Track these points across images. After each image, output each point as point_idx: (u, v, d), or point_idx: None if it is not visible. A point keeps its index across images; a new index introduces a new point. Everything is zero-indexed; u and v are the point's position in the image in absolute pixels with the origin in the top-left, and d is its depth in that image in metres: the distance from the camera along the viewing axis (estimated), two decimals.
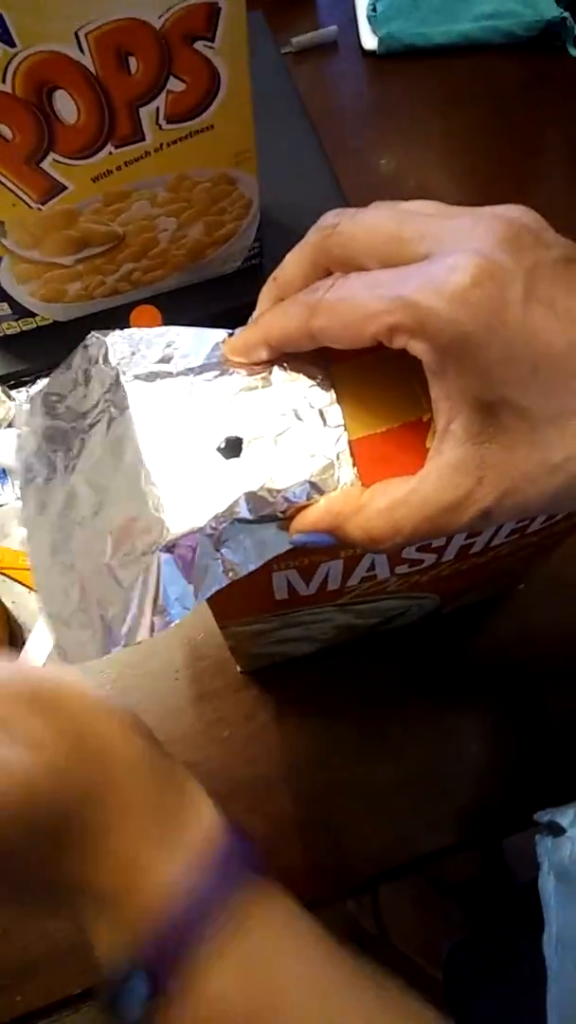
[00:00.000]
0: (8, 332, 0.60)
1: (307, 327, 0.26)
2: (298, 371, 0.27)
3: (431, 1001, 0.29)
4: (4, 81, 0.41)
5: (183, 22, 0.41)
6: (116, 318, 0.58)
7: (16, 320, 0.59)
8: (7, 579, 0.58)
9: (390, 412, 0.26)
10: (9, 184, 0.47)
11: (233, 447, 0.26)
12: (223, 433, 0.26)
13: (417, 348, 0.23)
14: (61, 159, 0.46)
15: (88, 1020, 0.51)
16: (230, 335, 0.29)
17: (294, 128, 0.71)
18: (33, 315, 0.59)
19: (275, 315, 0.27)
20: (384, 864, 0.51)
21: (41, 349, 0.62)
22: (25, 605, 0.58)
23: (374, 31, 0.77)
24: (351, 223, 0.26)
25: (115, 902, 0.27)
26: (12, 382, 0.62)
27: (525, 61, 0.78)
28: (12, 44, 0.39)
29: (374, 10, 0.77)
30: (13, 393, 0.62)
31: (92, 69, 0.42)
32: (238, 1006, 0.26)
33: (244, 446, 0.26)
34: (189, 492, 0.26)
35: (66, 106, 0.43)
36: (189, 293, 0.62)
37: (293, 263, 0.28)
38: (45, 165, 0.46)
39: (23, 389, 0.63)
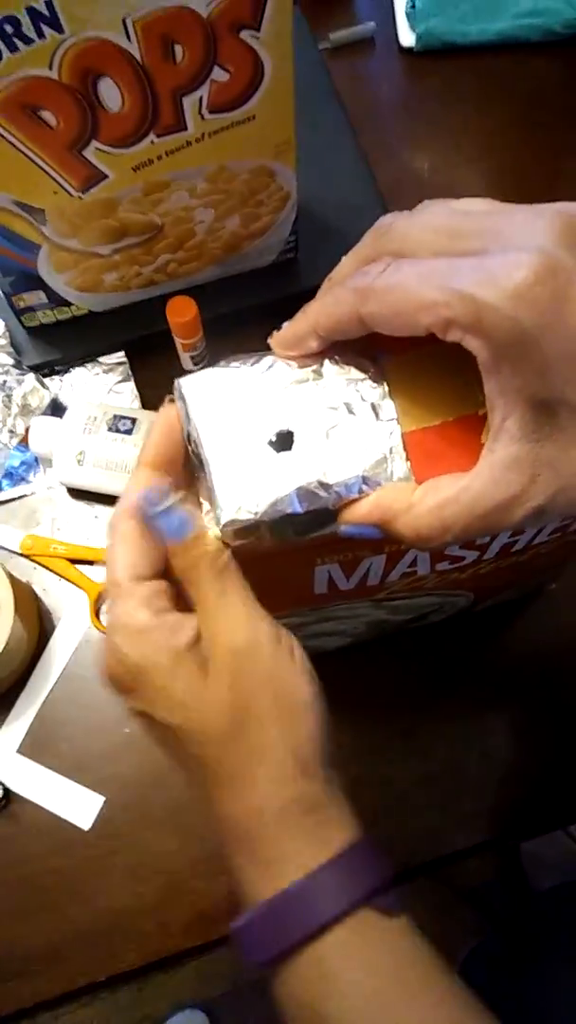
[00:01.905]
0: (44, 321, 0.61)
1: (357, 313, 0.25)
2: (350, 364, 0.27)
3: None
4: (51, 68, 0.41)
5: (230, 11, 0.41)
6: (151, 310, 0.58)
7: (52, 309, 0.60)
8: (38, 566, 0.58)
9: (444, 405, 0.26)
10: (51, 171, 0.47)
11: (285, 440, 0.26)
12: (275, 426, 0.26)
13: (473, 344, 0.23)
14: (103, 147, 0.47)
15: (112, 1008, 0.51)
16: (277, 330, 0.29)
17: (331, 124, 0.71)
18: (69, 304, 0.60)
19: (324, 302, 0.27)
20: (407, 863, 0.51)
21: (75, 339, 0.62)
22: (55, 593, 0.58)
23: (412, 28, 0.77)
24: (406, 222, 0.26)
25: (254, 860, 0.29)
26: (46, 371, 0.63)
27: (564, 59, 0.77)
28: (60, 30, 0.40)
29: (413, 6, 0.77)
30: (47, 381, 0.62)
31: (138, 57, 0.42)
32: (335, 998, 0.27)
33: (296, 439, 0.26)
34: (242, 484, 0.26)
35: (111, 94, 0.44)
36: (224, 286, 0.62)
37: (349, 264, 0.28)
38: (87, 153, 0.47)
39: (57, 378, 0.63)
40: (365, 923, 0.28)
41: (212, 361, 0.63)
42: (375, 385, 0.27)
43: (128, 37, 0.41)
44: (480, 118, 0.76)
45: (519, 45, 0.77)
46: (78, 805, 0.52)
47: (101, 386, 0.63)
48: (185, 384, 0.28)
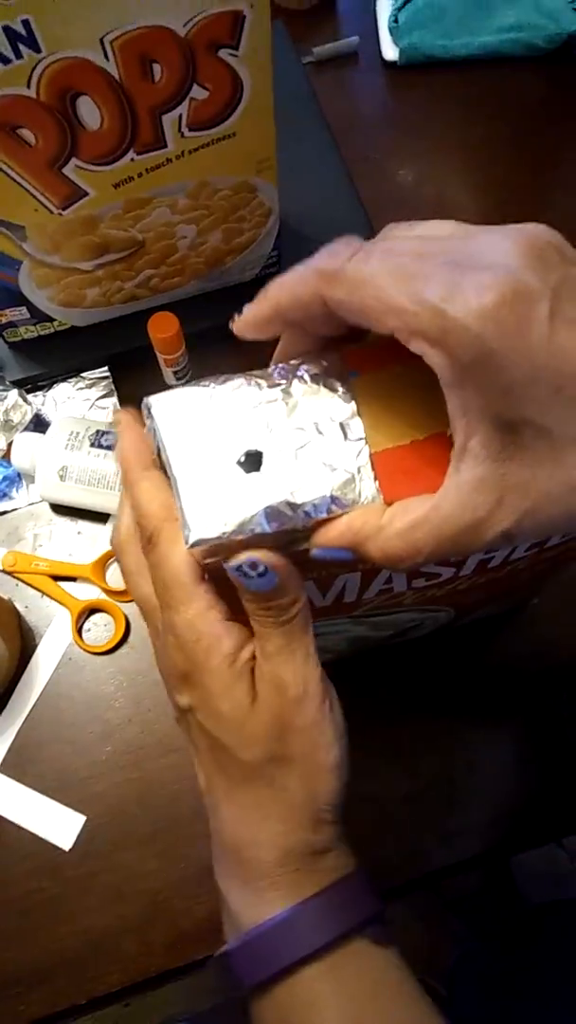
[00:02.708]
0: (26, 336, 0.61)
1: (321, 295, 0.24)
2: (319, 383, 0.27)
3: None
4: (29, 86, 0.41)
5: (208, 30, 0.41)
6: (134, 325, 0.58)
7: (34, 324, 0.59)
8: (20, 583, 0.58)
9: (414, 424, 0.26)
10: (31, 189, 0.47)
11: (254, 460, 0.26)
12: (244, 446, 0.26)
13: (436, 359, 0.23)
14: (83, 165, 0.47)
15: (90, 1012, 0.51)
16: (239, 314, 0.28)
17: (314, 138, 0.71)
18: (51, 320, 0.59)
19: (285, 281, 0.26)
20: (394, 879, 0.51)
21: (58, 354, 0.62)
22: (37, 610, 0.57)
23: (395, 42, 0.77)
24: (365, 254, 0.24)
25: (245, 887, 0.30)
26: (29, 386, 0.63)
27: (546, 73, 0.78)
28: (38, 49, 0.40)
29: (395, 21, 0.77)
30: (30, 397, 0.62)
31: (116, 76, 0.42)
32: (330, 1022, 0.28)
33: (265, 459, 0.26)
34: (210, 504, 0.26)
35: (90, 112, 0.44)
36: (207, 301, 0.62)
37: (291, 293, 0.26)
38: (67, 171, 0.47)
39: (40, 393, 0.63)
40: (353, 953, 0.28)
41: (195, 375, 0.63)
42: (344, 404, 0.27)
43: (106, 56, 0.41)
44: (463, 132, 0.76)
45: (502, 59, 0.78)
46: (59, 825, 0.51)
47: (84, 401, 0.63)
48: (154, 403, 0.27)
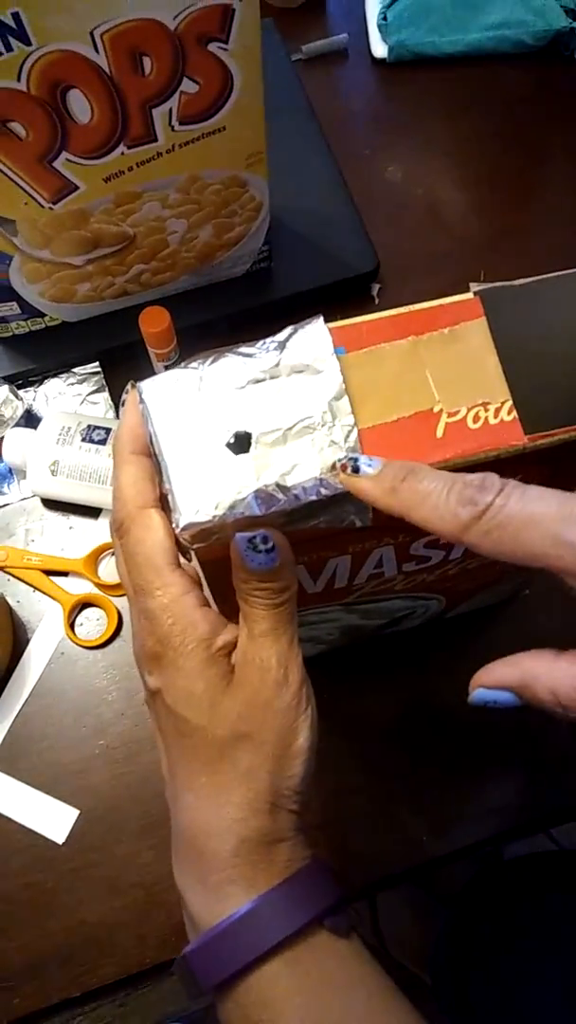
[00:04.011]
0: (17, 332, 0.61)
1: (465, 536, 0.24)
2: (307, 362, 0.27)
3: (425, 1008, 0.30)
4: (19, 79, 0.41)
5: (197, 23, 0.42)
6: (125, 320, 0.58)
7: (25, 320, 0.59)
8: (12, 578, 0.58)
9: (400, 402, 0.26)
10: (21, 183, 0.47)
11: (243, 442, 0.26)
12: (233, 428, 0.26)
13: None
14: (74, 158, 0.47)
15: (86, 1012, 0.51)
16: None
17: (304, 134, 0.71)
18: (42, 315, 0.59)
19: (427, 499, 0.25)
20: (387, 870, 0.51)
21: (49, 349, 0.62)
22: (30, 605, 0.57)
23: (384, 39, 0.78)
24: (517, 505, 0.24)
25: (202, 883, 0.29)
26: (20, 382, 0.63)
27: (533, 70, 0.78)
28: (28, 42, 0.40)
29: (385, 19, 0.77)
30: (21, 392, 0.62)
31: (107, 69, 0.42)
32: (287, 1019, 0.27)
33: (253, 441, 0.26)
34: (200, 487, 0.26)
35: (80, 105, 0.44)
36: (198, 296, 0.62)
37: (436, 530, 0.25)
38: (58, 164, 0.47)
39: (31, 388, 0.63)
40: (314, 945, 0.28)
41: None
42: (331, 383, 0.27)
43: (96, 49, 0.41)
44: (452, 128, 0.76)
45: (490, 57, 0.78)
46: (52, 819, 0.51)
47: (75, 397, 0.63)
48: (145, 388, 0.28)
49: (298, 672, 0.29)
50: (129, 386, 0.29)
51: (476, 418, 0.26)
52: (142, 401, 0.27)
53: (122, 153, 0.47)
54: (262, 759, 0.28)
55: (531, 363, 0.26)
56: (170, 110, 0.46)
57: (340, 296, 0.66)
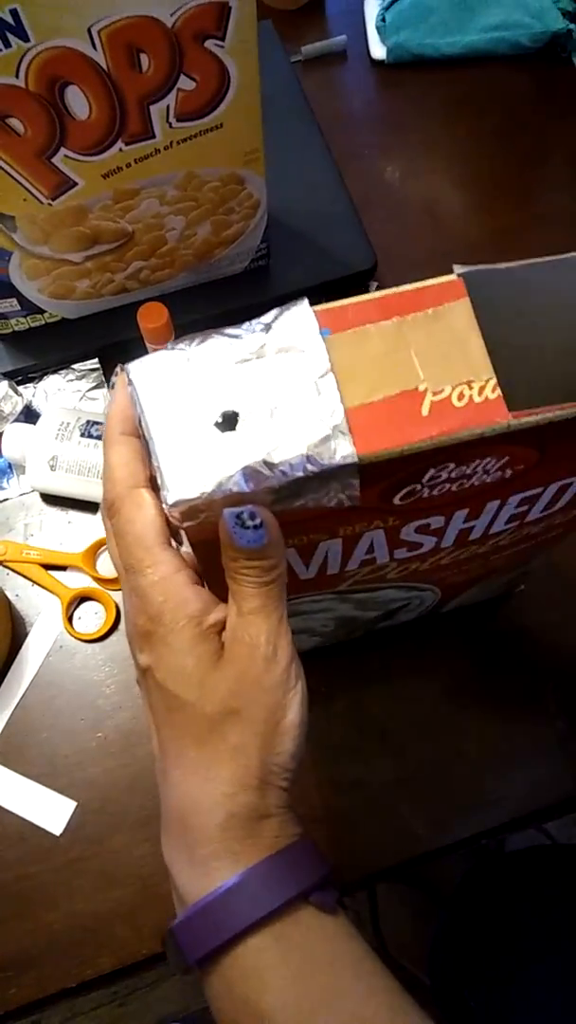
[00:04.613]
0: (17, 328, 0.61)
1: None
2: (292, 342, 0.27)
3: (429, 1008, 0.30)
4: (17, 76, 0.42)
5: (194, 20, 0.42)
6: (124, 317, 0.59)
7: (25, 316, 0.60)
8: (11, 572, 0.58)
9: (385, 381, 0.26)
10: (20, 179, 0.48)
11: (230, 421, 0.26)
12: (220, 407, 0.27)
13: None
14: (72, 155, 0.47)
15: (86, 1012, 0.51)
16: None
17: (303, 134, 0.72)
18: (42, 312, 0.60)
19: None
20: (382, 863, 0.51)
21: (49, 346, 0.63)
22: (28, 599, 0.58)
23: (383, 41, 0.78)
24: None
25: (186, 854, 0.29)
26: (20, 378, 0.63)
27: (531, 72, 0.79)
28: (26, 39, 0.40)
29: (383, 20, 0.78)
30: (21, 388, 0.62)
31: (104, 65, 0.43)
32: (272, 992, 0.28)
33: (240, 419, 0.26)
34: (188, 465, 0.26)
35: (78, 102, 0.44)
36: (196, 293, 0.63)
37: None
38: (56, 160, 0.47)
39: (31, 385, 0.63)
40: (300, 920, 0.28)
41: None
42: (317, 362, 0.27)
43: (94, 46, 0.42)
44: (450, 129, 0.77)
45: (488, 58, 0.79)
46: (50, 810, 0.52)
47: (74, 393, 0.63)
48: (132, 369, 0.28)
49: (287, 649, 0.29)
50: (119, 369, 0.29)
51: (461, 396, 0.26)
52: (130, 383, 0.28)
53: (120, 149, 0.48)
54: (251, 735, 0.28)
55: (514, 343, 0.27)
56: (168, 107, 0.46)
57: (338, 294, 0.65)
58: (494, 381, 0.26)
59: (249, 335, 0.27)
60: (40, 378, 0.63)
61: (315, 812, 0.52)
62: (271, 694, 0.28)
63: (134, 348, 0.60)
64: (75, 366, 0.63)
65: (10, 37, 0.40)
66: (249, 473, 0.26)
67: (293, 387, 0.26)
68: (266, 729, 0.29)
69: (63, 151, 0.47)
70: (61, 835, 0.51)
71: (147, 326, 0.56)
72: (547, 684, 0.55)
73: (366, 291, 0.29)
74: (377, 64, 0.80)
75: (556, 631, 0.57)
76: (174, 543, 0.30)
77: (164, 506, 0.26)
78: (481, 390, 0.26)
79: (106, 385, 0.63)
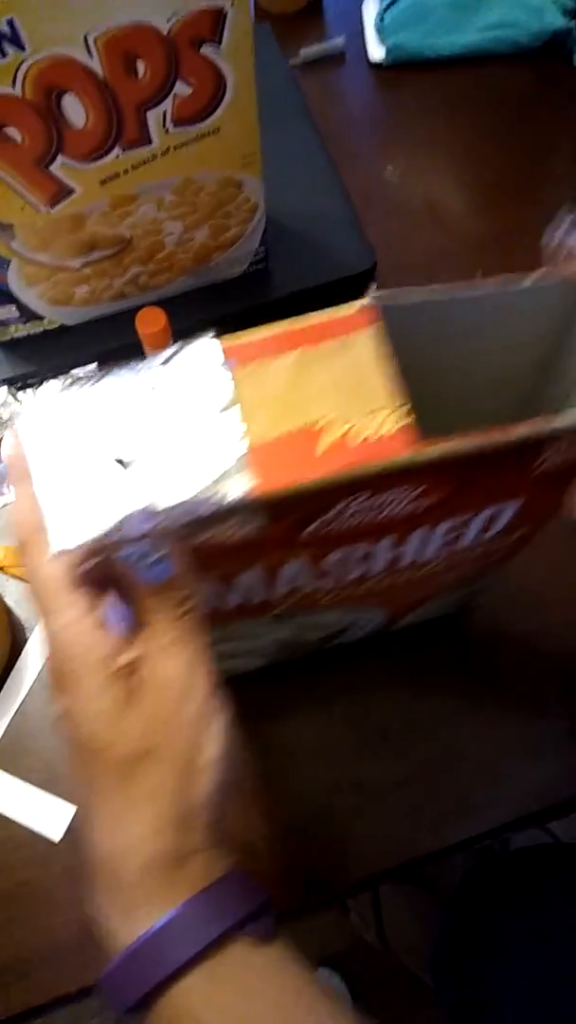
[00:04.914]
0: (16, 335, 0.61)
1: None
2: (194, 377, 0.26)
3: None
4: (14, 85, 0.42)
5: (190, 27, 0.42)
6: (123, 322, 0.59)
7: (24, 323, 0.60)
8: (10, 578, 0.58)
9: (286, 417, 0.26)
10: (18, 187, 0.48)
11: (123, 461, 0.26)
12: (116, 444, 0.26)
13: None
14: (69, 162, 0.47)
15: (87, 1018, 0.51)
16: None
17: (301, 137, 0.71)
18: (41, 318, 0.60)
19: None
20: (384, 865, 0.51)
21: (48, 352, 0.62)
22: (27, 605, 0.58)
23: (381, 42, 0.78)
24: None
25: (111, 901, 0.29)
26: (19, 384, 0.63)
27: (530, 70, 0.78)
28: (22, 48, 0.40)
29: (381, 21, 0.78)
30: (20, 395, 0.62)
31: (100, 73, 0.43)
32: None
33: (137, 457, 0.25)
34: (76, 510, 0.25)
35: (75, 110, 0.44)
36: (195, 297, 0.63)
37: None
38: (54, 168, 0.47)
39: (30, 391, 0.63)
40: (233, 955, 0.28)
41: None
42: (218, 396, 0.26)
43: (90, 54, 0.42)
44: (450, 130, 0.77)
45: (487, 57, 0.79)
46: (49, 816, 0.52)
47: None
48: (24, 410, 0.27)
49: (204, 684, 0.28)
50: (16, 407, 0.28)
51: (364, 429, 0.25)
52: (24, 423, 0.27)
53: (117, 156, 0.48)
54: (167, 775, 0.28)
55: (422, 373, 0.26)
56: (164, 113, 0.46)
57: (337, 296, 0.65)
58: (398, 413, 0.25)
59: (148, 370, 0.26)
60: (39, 384, 0.63)
61: (316, 814, 0.52)
62: (186, 731, 0.28)
63: (133, 354, 0.59)
64: (74, 372, 0.63)
65: (6, 47, 0.40)
66: (142, 515, 0.25)
67: (192, 423, 0.26)
68: (183, 767, 0.28)
69: (60, 159, 0.47)
70: (60, 841, 0.51)
71: (145, 332, 0.56)
72: (549, 685, 0.55)
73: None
74: (376, 65, 0.79)
75: (558, 632, 0.57)
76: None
77: (52, 553, 0.26)
78: (388, 421, 0.25)
79: None
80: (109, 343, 0.62)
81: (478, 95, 0.78)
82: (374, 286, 0.67)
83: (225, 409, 0.26)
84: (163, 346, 0.57)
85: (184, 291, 0.62)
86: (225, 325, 0.63)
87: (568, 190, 0.74)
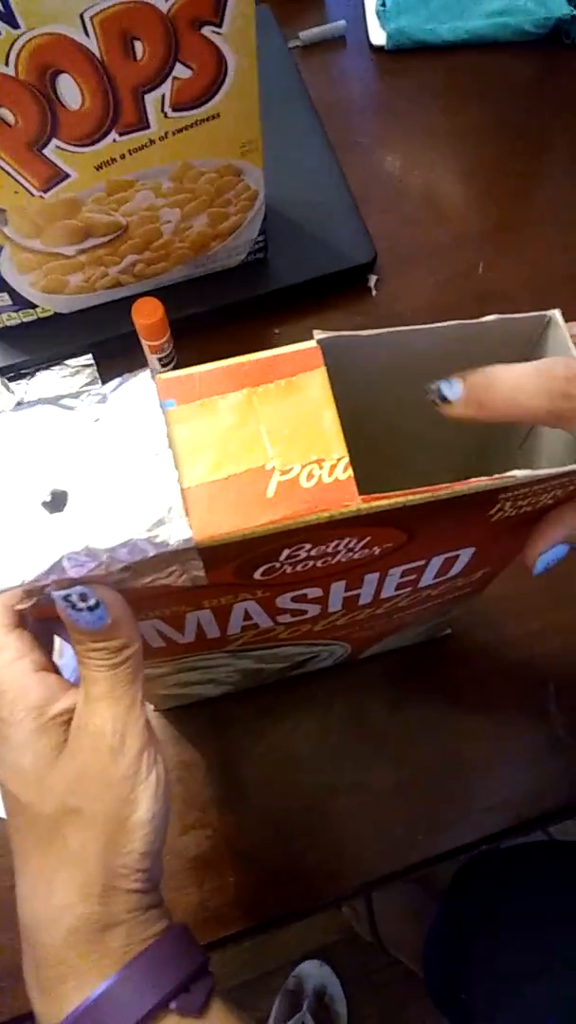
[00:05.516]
0: (8, 323, 0.60)
1: (569, 426, 0.25)
2: (129, 416, 0.25)
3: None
4: (7, 64, 0.40)
5: (190, 6, 0.40)
6: (118, 311, 0.57)
7: (17, 311, 0.58)
8: None
9: (232, 457, 0.24)
10: (11, 170, 0.46)
11: (58, 501, 0.24)
12: (47, 486, 0.24)
13: None
14: (64, 146, 0.46)
15: None
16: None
17: (301, 122, 0.70)
18: (34, 306, 0.59)
19: (516, 406, 0.26)
20: (381, 870, 0.50)
21: (42, 341, 0.61)
22: None
23: (383, 26, 0.77)
24: None
25: (41, 979, 0.27)
26: (12, 374, 0.62)
27: (534, 58, 0.77)
28: (16, 25, 0.39)
29: (383, 5, 0.76)
30: (12, 385, 0.61)
31: (97, 53, 0.41)
32: None
33: (70, 499, 0.24)
34: (8, 551, 0.24)
35: (70, 91, 0.43)
36: (193, 287, 0.61)
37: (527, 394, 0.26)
38: (48, 152, 0.46)
39: (22, 381, 0.62)
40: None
41: (181, 363, 0.61)
42: (154, 437, 0.24)
43: (86, 32, 0.40)
44: (452, 117, 0.75)
45: (490, 44, 0.77)
46: None
47: (68, 389, 0.62)
48: None
49: (138, 738, 0.27)
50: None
51: (310, 476, 0.24)
52: None
53: (114, 140, 0.46)
54: (92, 837, 0.26)
55: (377, 404, 0.25)
56: (163, 96, 0.45)
57: (337, 287, 0.65)
58: (346, 460, 0.24)
59: (84, 407, 0.25)
60: (32, 374, 0.62)
61: (314, 819, 0.51)
62: (116, 789, 0.26)
63: (128, 343, 0.58)
64: (68, 362, 0.62)
65: None
66: (77, 558, 0.23)
67: (128, 464, 0.24)
68: (110, 828, 0.26)
69: (55, 142, 0.45)
70: None
71: (141, 322, 0.54)
72: (547, 690, 0.54)
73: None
74: (377, 50, 0.78)
75: (557, 636, 0.56)
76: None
77: None
78: (332, 469, 0.24)
79: (100, 382, 0.62)
80: (104, 333, 0.61)
81: (481, 82, 0.76)
82: (374, 279, 0.66)
83: (160, 451, 0.24)
84: (160, 337, 0.56)
85: (181, 280, 0.61)
86: (223, 316, 0.62)
87: (568, 179, 0.73)
